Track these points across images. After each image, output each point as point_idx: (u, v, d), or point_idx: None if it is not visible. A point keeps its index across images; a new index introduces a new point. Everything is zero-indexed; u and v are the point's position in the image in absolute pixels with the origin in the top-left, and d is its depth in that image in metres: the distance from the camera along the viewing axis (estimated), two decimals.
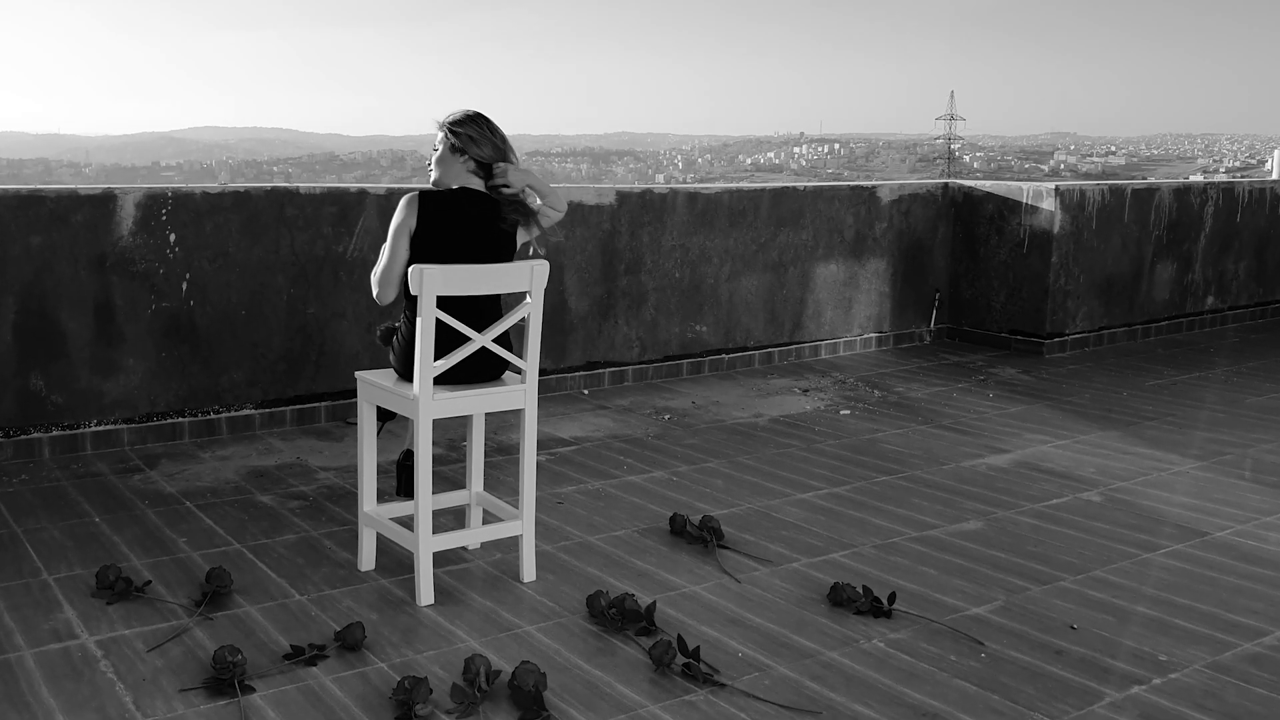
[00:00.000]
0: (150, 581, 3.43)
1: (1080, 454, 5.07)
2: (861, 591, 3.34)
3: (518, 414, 3.51)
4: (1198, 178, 27.00)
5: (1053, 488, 4.56)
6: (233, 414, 5.21)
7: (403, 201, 3.41)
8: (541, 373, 6.03)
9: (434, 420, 3.35)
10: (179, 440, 5.08)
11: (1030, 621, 3.25)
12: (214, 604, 3.30)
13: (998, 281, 7.64)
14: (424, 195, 3.42)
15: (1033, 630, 3.19)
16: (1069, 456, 5.03)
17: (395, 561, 3.63)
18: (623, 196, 6.30)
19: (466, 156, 3.49)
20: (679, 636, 2.99)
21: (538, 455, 4.83)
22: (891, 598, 3.30)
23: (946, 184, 7.88)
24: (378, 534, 3.60)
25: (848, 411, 5.85)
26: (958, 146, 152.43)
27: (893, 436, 5.35)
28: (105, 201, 4.86)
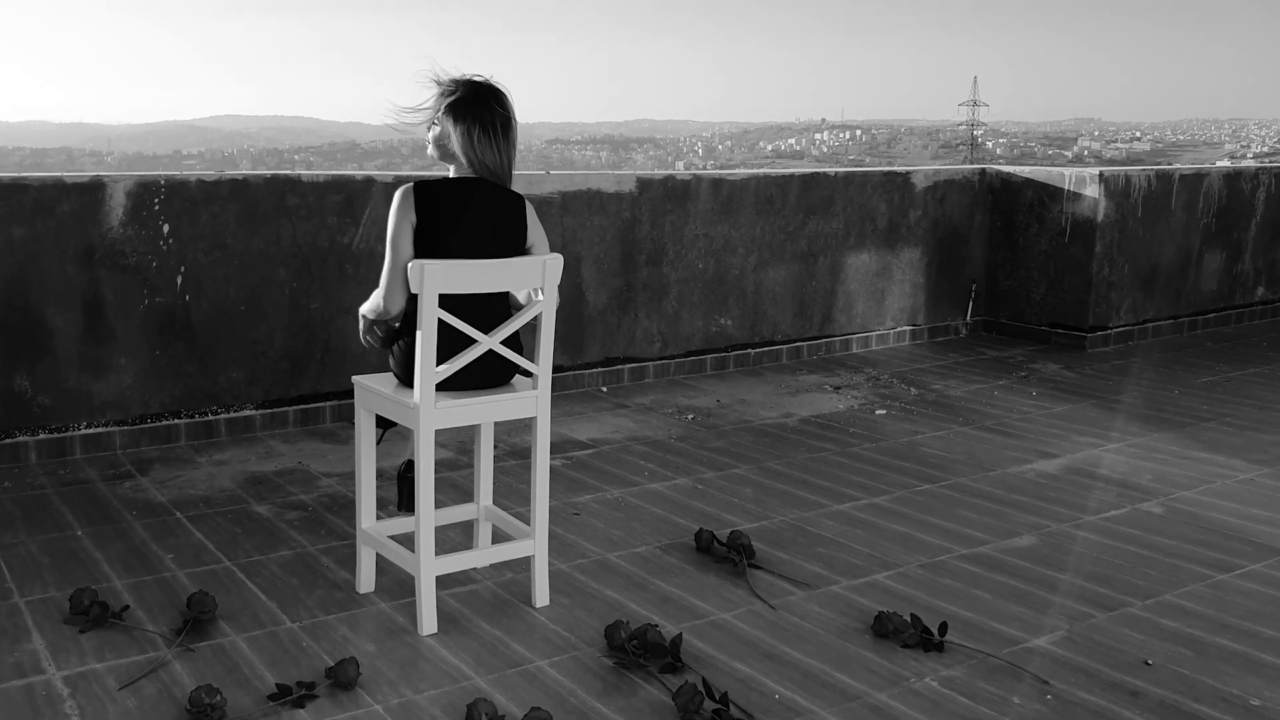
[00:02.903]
0: (129, 606, 3.14)
1: (1135, 459, 4.72)
2: (910, 621, 3.01)
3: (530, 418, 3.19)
4: (1225, 163, 26.43)
5: (1109, 497, 4.22)
6: (232, 415, 4.92)
7: (398, 195, 3.00)
8: (557, 369, 5.72)
9: (440, 427, 3.04)
10: (174, 443, 4.79)
11: (1099, 656, 2.92)
12: (196, 633, 3.00)
13: (1037, 272, 7.28)
14: (421, 186, 3.04)
15: (1102, 666, 2.86)
16: (1123, 462, 4.68)
17: (396, 583, 3.33)
18: (644, 184, 5.97)
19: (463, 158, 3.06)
20: (704, 680, 2.67)
21: (552, 460, 4.52)
22: (943, 628, 2.98)
23: (984, 170, 7.52)
24: (378, 553, 3.29)
25: (883, 411, 5.52)
26: (980, 133, 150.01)
27: (933, 439, 5.02)
28: (93, 190, 4.56)
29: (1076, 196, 7.06)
